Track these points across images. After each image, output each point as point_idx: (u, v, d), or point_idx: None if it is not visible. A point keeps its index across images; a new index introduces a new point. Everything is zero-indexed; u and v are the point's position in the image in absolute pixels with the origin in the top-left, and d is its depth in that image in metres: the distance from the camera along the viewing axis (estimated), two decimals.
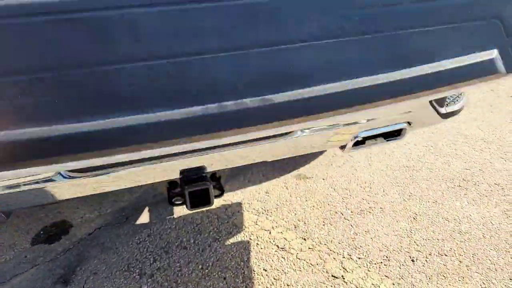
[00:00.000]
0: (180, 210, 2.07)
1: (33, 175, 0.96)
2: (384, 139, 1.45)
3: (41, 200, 1.08)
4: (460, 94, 1.55)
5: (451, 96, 1.50)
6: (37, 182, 1.00)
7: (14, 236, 1.88)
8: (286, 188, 2.24)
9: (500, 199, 2.10)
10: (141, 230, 1.94)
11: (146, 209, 2.09)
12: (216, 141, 0.88)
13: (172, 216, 2.04)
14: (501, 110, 3.13)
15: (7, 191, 0.99)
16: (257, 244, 1.85)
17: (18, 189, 0.99)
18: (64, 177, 1.02)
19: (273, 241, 1.87)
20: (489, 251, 1.78)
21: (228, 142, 1.01)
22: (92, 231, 1.94)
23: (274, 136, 1.19)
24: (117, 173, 1.07)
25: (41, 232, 1.90)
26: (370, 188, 2.22)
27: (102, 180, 1.08)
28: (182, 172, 1.18)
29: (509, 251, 1.77)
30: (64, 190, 1.06)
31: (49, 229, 1.93)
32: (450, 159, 2.47)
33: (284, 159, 2.11)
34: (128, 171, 1.08)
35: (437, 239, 1.85)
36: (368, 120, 1.26)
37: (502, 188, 2.18)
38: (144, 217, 2.03)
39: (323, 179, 2.30)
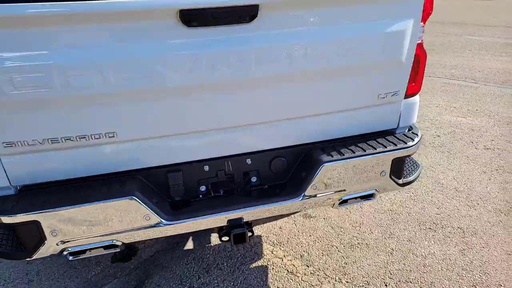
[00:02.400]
0: (215, 240, 2.77)
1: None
2: (362, 199, 2.14)
3: (151, 236, 1.82)
4: (416, 169, 2.23)
5: (406, 171, 2.18)
6: (156, 226, 1.75)
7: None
8: (295, 225, 2.93)
9: (459, 240, 2.74)
10: (188, 254, 2.65)
11: (191, 238, 2.80)
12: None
13: (209, 244, 2.74)
14: (476, 162, 3.78)
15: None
16: (272, 268, 2.53)
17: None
18: (166, 224, 1.76)
19: (285, 266, 2.54)
20: (444, 280, 2.41)
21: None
22: (153, 253, 2.65)
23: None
24: (196, 221, 1.82)
25: (117, 253, 2.62)
26: (360, 227, 2.89)
27: (189, 225, 1.82)
28: (229, 221, 1.90)
29: (458, 281, 2.40)
30: (166, 230, 1.80)
31: (122, 251, 2.65)
32: (425, 205, 3.13)
33: None
34: (205, 219, 1.83)
35: (406, 270, 2.50)
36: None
37: (463, 231, 2.82)
38: (190, 244, 2.74)
39: (324, 218, 2.98)
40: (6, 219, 1.63)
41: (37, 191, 1.72)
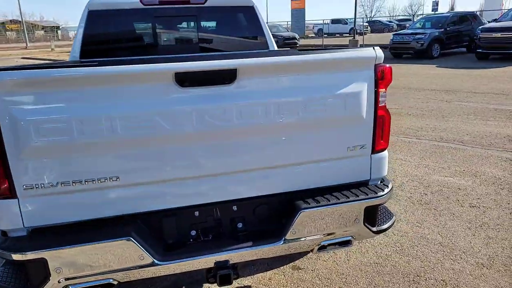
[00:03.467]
0: None
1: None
2: (339, 246, 2.32)
3: (144, 275, 2.00)
4: (390, 218, 2.44)
5: (380, 219, 2.39)
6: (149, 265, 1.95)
7: None
8: (284, 276, 3.05)
9: None
10: None
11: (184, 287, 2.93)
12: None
13: None
14: (462, 219, 3.94)
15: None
16: None
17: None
18: (158, 264, 1.96)
19: None
20: None
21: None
22: None
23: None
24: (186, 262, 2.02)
25: None
26: (346, 279, 3.00)
27: (180, 266, 2.01)
28: (215, 263, 2.08)
29: None
30: (158, 270, 1.99)
31: None
32: (410, 259, 3.25)
33: None
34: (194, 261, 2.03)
35: None
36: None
37: (446, 284, 2.93)
38: None
39: (312, 270, 3.11)
40: (17, 256, 1.85)
41: (45, 232, 1.95)
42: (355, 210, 2.21)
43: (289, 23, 41.98)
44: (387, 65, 2.22)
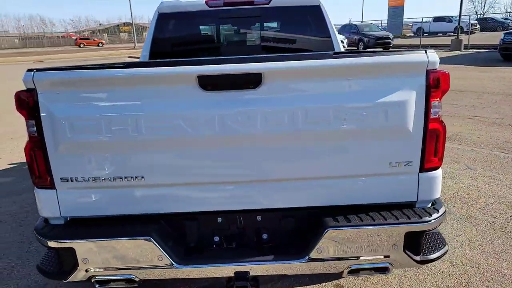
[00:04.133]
0: None
1: None
2: (375, 271, 2.07)
3: (163, 276, 2.03)
4: (440, 247, 2.09)
5: (428, 248, 2.07)
6: (168, 267, 1.97)
7: None
8: None
9: None
10: None
11: None
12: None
13: None
14: None
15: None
16: None
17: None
18: (177, 267, 1.96)
19: None
20: None
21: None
22: None
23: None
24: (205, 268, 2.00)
25: None
26: None
27: (198, 271, 2.00)
28: (235, 273, 2.01)
29: None
30: (176, 272, 2.00)
31: None
32: None
33: None
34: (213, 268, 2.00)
35: None
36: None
37: None
38: None
39: None
40: (52, 243, 2.00)
41: (78, 224, 2.08)
42: (393, 235, 1.95)
43: (384, 21, 39.78)
44: (444, 71, 1.91)
